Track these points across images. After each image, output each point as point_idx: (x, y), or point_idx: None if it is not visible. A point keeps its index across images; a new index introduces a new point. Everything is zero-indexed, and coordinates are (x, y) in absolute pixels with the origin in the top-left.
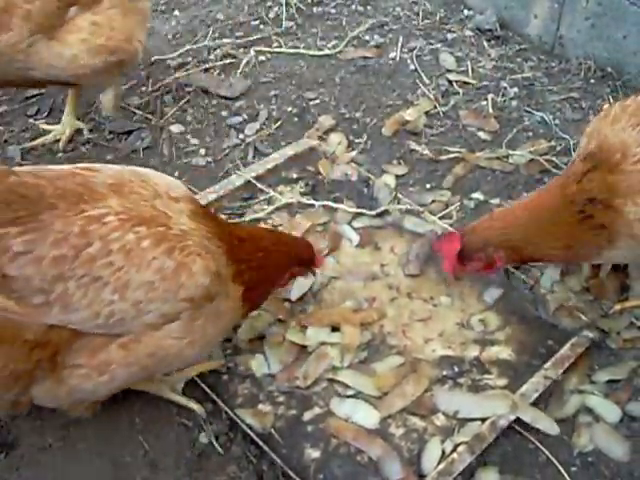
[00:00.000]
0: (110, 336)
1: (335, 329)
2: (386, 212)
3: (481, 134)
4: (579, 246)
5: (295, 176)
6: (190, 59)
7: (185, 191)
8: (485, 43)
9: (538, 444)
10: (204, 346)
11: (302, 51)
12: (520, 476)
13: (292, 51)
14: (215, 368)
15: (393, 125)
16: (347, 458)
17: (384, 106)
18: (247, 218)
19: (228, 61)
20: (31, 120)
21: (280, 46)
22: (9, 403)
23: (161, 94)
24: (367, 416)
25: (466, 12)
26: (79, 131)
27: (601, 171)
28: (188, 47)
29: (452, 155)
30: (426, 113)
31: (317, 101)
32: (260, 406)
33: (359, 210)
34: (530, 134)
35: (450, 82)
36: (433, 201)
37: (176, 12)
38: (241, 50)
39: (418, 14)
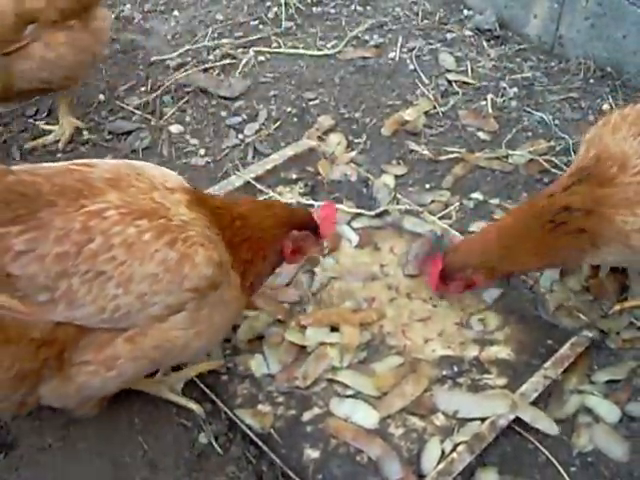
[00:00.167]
0: (116, 331)
1: (334, 329)
2: (385, 212)
3: (480, 134)
4: (554, 252)
5: (294, 177)
6: (189, 59)
7: (180, 181)
8: (484, 43)
9: (538, 444)
10: (211, 336)
11: (301, 51)
12: (519, 476)
13: (291, 51)
14: (214, 368)
15: (392, 125)
16: (346, 458)
17: (383, 106)
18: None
19: (227, 61)
20: (30, 120)
21: (279, 46)
22: (16, 404)
23: (160, 94)
24: (366, 416)
25: (465, 12)
26: (79, 131)
27: (589, 184)
28: (187, 47)
29: (451, 155)
30: (425, 113)
31: (316, 101)
32: (259, 406)
33: (358, 210)
34: (529, 134)
35: (449, 82)
36: (432, 201)
37: (175, 12)
38: (240, 50)
39: (417, 14)
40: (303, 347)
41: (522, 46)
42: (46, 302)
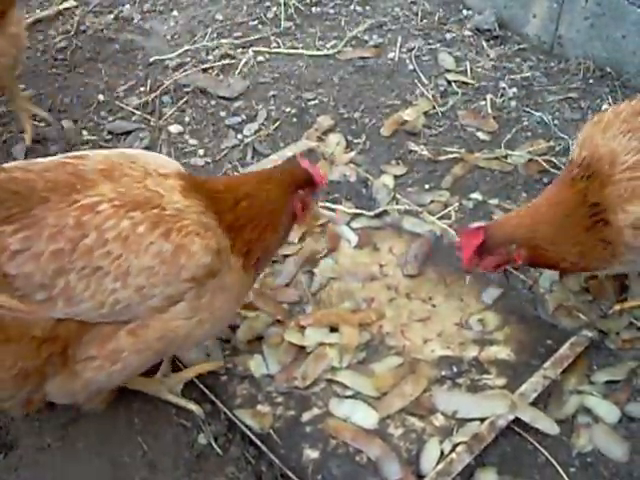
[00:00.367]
0: (118, 324)
1: (334, 330)
2: (385, 213)
3: (480, 134)
4: (590, 258)
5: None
6: (189, 59)
7: (176, 167)
8: (484, 43)
9: (537, 445)
10: (215, 323)
11: (301, 51)
12: (519, 477)
13: (291, 51)
14: (214, 369)
15: (392, 125)
16: (346, 458)
17: (383, 106)
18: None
19: (227, 61)
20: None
21: (279, 46)
22: (22, 401)
23: (159, 94)
24: (366, 416)
25: (465, 12)
26: (79, 132)
27: (596, 181)
28: (187, 47)
29: (451, 155)
30: (425, 113)
31: (316, 101)
32: (259, 407)
33: (358, 211)
34: (529, 134)
35: (449, 82)
36: (432, 201)
37: (174, 12)
38: (240, 50)
39: (417, 14)
40: (302, 347)
41: (521, 46)
42: (45, 300)
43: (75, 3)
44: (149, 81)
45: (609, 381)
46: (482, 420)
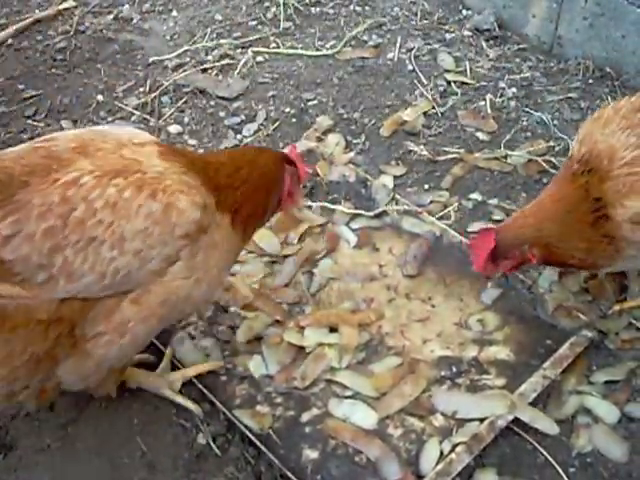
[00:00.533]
0: (119, 296)
1: (333, 330)
2: (384, 213)
3: (479, 134)
4: (597, 254)
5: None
6: (188, 60)
7: (148, 136)
8: (483, 43)
9: (536, 445)
10: (210, 281)
11: (300, 51)
12: (518, 477)
13: (290, 51)
14: (214, 369)
15: (391, 125)
16: (345, 459)
17: (382, 106)
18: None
19: (226, 62)
20: (29, 121)
21: (278, 47)
22: (36, 391)
23: (159, 95)
24: (365, 417)
25: (464, 12)
26: None
27: (596, 177)
28: (186, 48)
29: (450, 156)
30: (424, 113)
31: (315, 102)
32: (258, 407)
33: (357, 211)
34: (528, 134)
35: (448, 82)
36: (431, 202)
37: (174, 13)
38: (239, 51)
39: (416, 14)
40: (302, 348)
41: (521, 46)
42: (46, 280)
43: (74, 3)
44: (148, 81)
45: (608, 381)
46: (481, 420)
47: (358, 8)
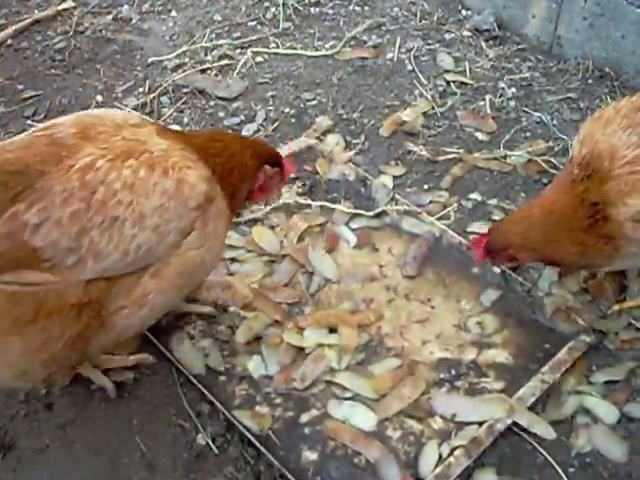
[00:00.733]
0: (139, 272)
1: (332, 331)
2: (384, 213)
3: (479, 135)
4: (593, 254)
5: (292, 175)
6: (187, 60)
7: (138, 116)
8: (483, 43)
9: (536, 445)
10: (218, 248)
11: (299, 52)
12: (518, 477)
13: (289, 52)
14: (206, 312)
15: (391, 126)
16: (344, 460)
17: (382, 107)
18: (244, 219)
19: (225, 62)
20: (28, 122)
21: (277, 47)
22: (70, 370)
23: (158, 95)
24: (364, 418)
25: (464, 12)
26: None
27: (596, 180)
28: (185, 48)
29: (450, 156)
30: (424, 114)
31: (314, 102)
32: (257, 408)
33: (356, 211)
34: (528, 134)
35: (448, 82)
36: (431, 202)
37: (173, 13)
38: (238, 51)
39: (416, 14)
40: (301, 348)
41: (520, 46)
42: (75, 263)
43: (74, 4)
44: (148, 82)
45: (608, 381)
46: (480, 424)
47: (357, 8)
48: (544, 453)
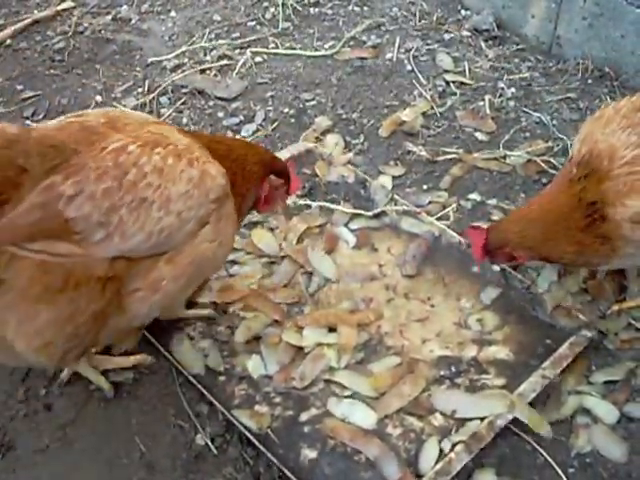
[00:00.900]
0: (156, 257)
1: (332, 330)
2: (383, 213)
3: (478, 135)
4: (589, 254)
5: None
6: (186, 60)
7: (155, 118)
8: (482, 43)
9: (536, 445)
10: (228, 246)
11: (299, 52)
12: (518, 478)
13: (289, 52)
14: (207, 316)
15: (390, 126)
16: (344, 458)
17: (381, 107)
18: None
19: (224, 62)
20: (28, 122)
21: (277, 47)
22: (82, 351)
23: (157, 95)
24: (364, 416)
25: (463, 12)
26: None
27: (594, 179)
28: (184, 48)
29: (449, 156)
30: (423, 114)
31: (314, 102)
32: (257, 407)
33: (356, 211)
34: (527, 135)
35: (447, 83)
36: (430, 202)
37: (172, 13)
38: (237, 51)
39: (415, 14)
40: (300, 348)
41: (520, 46)
42: (102, 239)
43: (73, 4)
44: (147, 82)
45: (608, 381)
46: (481, 420)
47: (357, 8)
48: (544, 453)
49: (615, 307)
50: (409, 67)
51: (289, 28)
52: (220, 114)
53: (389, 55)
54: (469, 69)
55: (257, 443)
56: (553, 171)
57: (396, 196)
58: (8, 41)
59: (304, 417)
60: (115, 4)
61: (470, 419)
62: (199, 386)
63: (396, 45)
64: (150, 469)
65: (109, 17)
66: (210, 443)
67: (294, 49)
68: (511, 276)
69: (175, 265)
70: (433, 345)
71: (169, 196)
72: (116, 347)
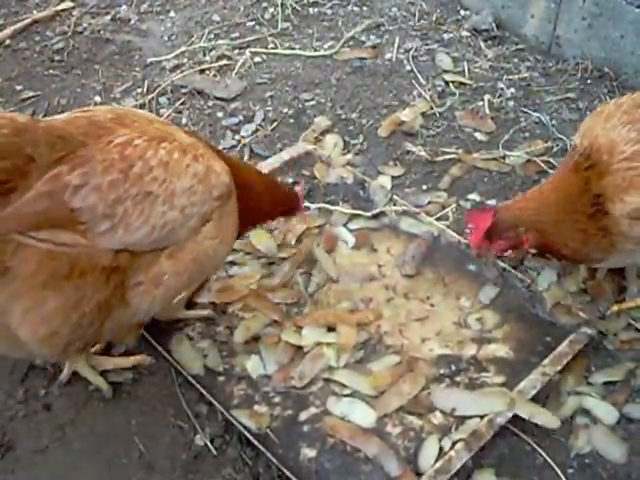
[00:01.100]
0: (158, 252)
1: (331, 329)
2: (382, 213)
3: (477, 135)
4: (592, 246)
5: (291, 180)
6: (185, 60)
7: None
8: (482, 43)
9: (535, 446)
10: (229, 245)
11: (298, 52)
12: (517, 478)
13: (288, 52)
14: (206, 316)
15: (389, 126)
16: (344, 457)
17: (380, 107)
18: None
19: (224, 62)
20: None
21: (276, 47)
22: (84, 344)
23: (157, 96)
24: (363, 415)
25: (462, 12)
26: None
27: (596, 172)
28: (184, 48)
29: (448, 156)
30: (422, 114)
31: (313, 102)
32: (256, 407)
33: (355, 211)
34: (527, 135)
35: (446, 83)
36: (429, 202)
37: (172, 13)
38: (237, 51)
39: (414, 14)
40: (299, 347)
41: (519, 46)
42: (107, 230)
43: (72, 4)
44: (146, 82)
45: (607, 382)
46: (481, 418)
47: (356, 9)
48: (543, 454)
49: (614, 308)
50: (408, 67)
51: (288, 28)
52: (219, 114)
53: (388, 55)
54: (468, 69)
55: (256, 443)
56: (552, 171)
57: (395, 196)
58: (7, 41)
59: (303, 416)
60: (114, 4)
61: (470, 417)
62: (198, 386)
63: (395, 45)
64: (149, 469)
65: (108, 17)
66: (209, 443)
67: (293, 49)
68: (511, 275)
69: (176, 261)
70: (433, 344)
71: (174, 190)
72: (116, 346)
